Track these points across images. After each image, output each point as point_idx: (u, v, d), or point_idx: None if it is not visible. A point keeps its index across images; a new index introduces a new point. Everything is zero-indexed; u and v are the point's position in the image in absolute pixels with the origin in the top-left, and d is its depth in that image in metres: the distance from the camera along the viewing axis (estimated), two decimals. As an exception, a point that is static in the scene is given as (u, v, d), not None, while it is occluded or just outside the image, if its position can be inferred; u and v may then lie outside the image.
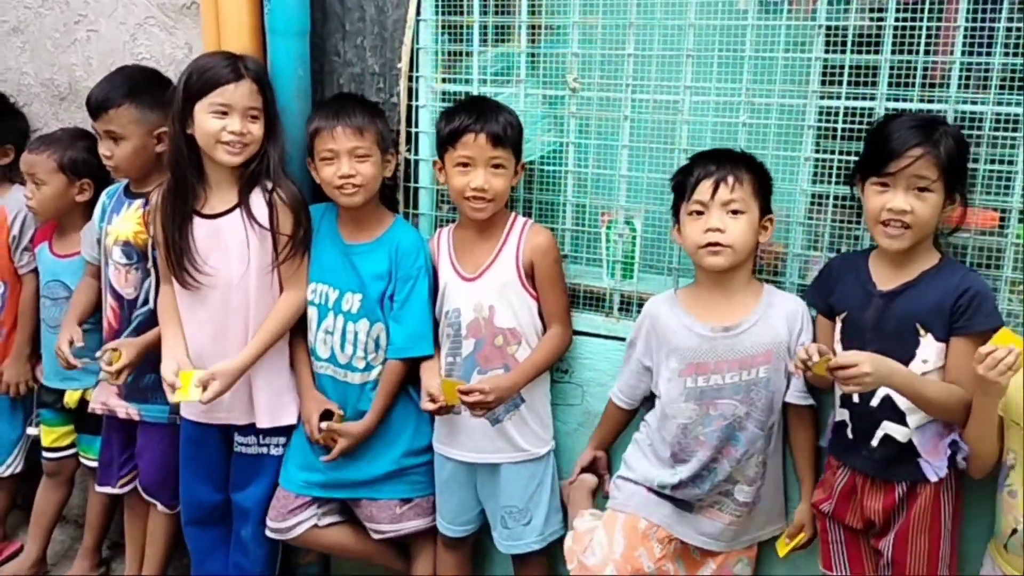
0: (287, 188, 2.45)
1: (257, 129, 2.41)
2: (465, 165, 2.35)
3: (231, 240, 2.45)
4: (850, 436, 2.09)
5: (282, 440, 2.61)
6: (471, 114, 2.34)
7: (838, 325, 2.11)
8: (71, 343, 2.66)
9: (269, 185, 2.44)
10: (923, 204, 1.95)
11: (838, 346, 2.10)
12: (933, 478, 2.01)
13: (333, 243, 2.55)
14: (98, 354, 2.64)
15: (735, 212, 2.12)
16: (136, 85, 2.64)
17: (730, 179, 2.11)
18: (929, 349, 1.99)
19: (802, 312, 2.20)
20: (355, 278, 2.50)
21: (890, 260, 2.06)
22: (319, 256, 2.55)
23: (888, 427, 2.03)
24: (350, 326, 2.50)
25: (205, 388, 2.38)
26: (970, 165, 2.05)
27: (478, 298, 2.42)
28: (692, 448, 2.22)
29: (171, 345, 2.52)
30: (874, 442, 2.05)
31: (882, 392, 2.02)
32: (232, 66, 2.39)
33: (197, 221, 2.46)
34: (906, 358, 1.99)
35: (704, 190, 2.13)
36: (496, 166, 2.34)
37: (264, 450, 2.61)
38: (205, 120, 2.37)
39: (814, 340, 2.18)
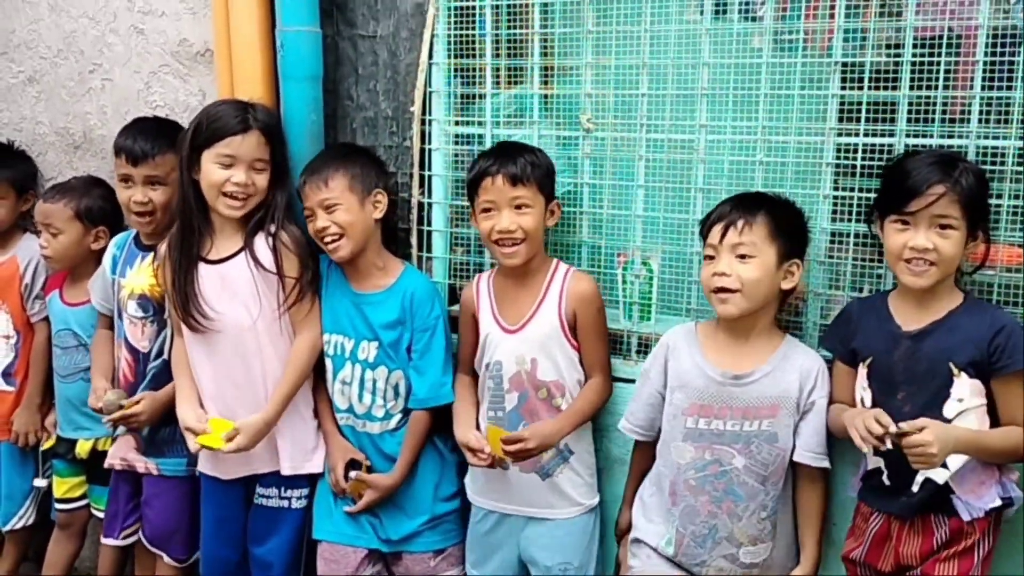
0: (290, 232, 2.45)
1: (262, 180, 2.42)
2: (488, 210, 2.30)
3: (238, 285, 2.44)
4: (887, 483, 2.02)
5: (304, 492, 2.56)
6: (489, 158, 2.31)
7: (862, 370, 2.06)
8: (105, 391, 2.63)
9: (272, 229, 2.43)
10: (946, 241, 1.91)
11: (865, 392, 2.05)
12: (966, 516, 1.95)
13: (343, 293, 2.52)
14: (109, 397, 2.60)
15: (743, 256, 2.07)
16: (173, 134, 2.64)
17: (739, 222, 2.06)
18: (963, 387, 1.94)
19: (817, 370, 2.14)
20: (368, 327, 2.47)
21: (913, 300, 2.02)
22: (331, 307, 2.52)
23: (929, 472, 1.96)
24: (368, 374, 2.46)
25: (230, 440, 2.38)
26: (993, 201, 2.01)
27: (520, 351, 2.35)
28: (683, 491, 2.17)
29: (187, 394, 2.51)
30: (915, 488, 1.98)
31: None
32: (241, 116, 2.39)
33: (204, 268, 2.46)
34: (940, 398, 1.95)
35: (714, 234, 2.09)
36: (520, 206, 2.28)
37: (285, 503, 2.55)
38: (211, 170, 2.38)
39: (831, 387, 2.14)
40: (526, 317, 2.36)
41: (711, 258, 2.11)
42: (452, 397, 2.46)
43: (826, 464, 2.14)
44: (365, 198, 2.43)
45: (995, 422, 1.97)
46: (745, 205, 2.10)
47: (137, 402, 2.57)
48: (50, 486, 3.04)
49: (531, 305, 2.36)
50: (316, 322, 2.51)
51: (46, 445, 3.01)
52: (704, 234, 2.14)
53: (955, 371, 1.94)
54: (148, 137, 2.67)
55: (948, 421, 1.94)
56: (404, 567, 2.53)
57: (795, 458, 2.14)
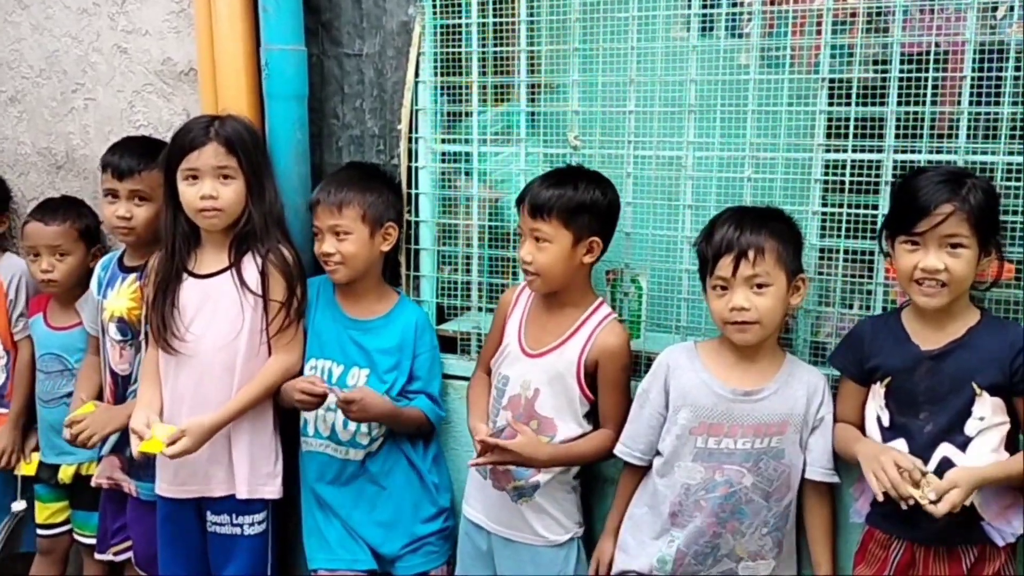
0: (279, 254, 2.41)
1: (229, 191, 2.37)
2: (521, 235, 2.28)
3: (221, 302, 2.41)
4: (904, 507, 1.95)
5: (258, 517, 2.50)
6: (535, 181, 2.25)
7: (880, 390, 2.03)
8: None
9: (263, 249, 2.40)
10: (957, 260, 1.89)
11: (883, 412, 2.03)
12: (1000, 542, 1.93)
13: (334, 318, 2.49)
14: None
15: (760, 286, 2.03)
16: (159, 152, 2.60)
17: (751, 253, 2.00)
18: (985, 406, 1.93)
19: (823, 386, 2.13)
20: (361, 353, 2.45)
21: (929, 319, 1.99)
22: (318, 331, 2.50)
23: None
24: None
25: (174, 443, 2.29)
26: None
27: (528, 376, 2.30)
28: (691, 512, 2.14)
29: (146, 400, 2.44)
30: None
31: (939, 455, 1.94)
32: (202, 130, 2.38)
33: (189, 281, 2.43)
34: (962, 417, 1.93)
35: (725, 266, 2.03)
36: (538, 239, 2.21)
37: (238, 530, 2.49)
38: (182, 187, 2.38)
39: (834, 406, 2.12)
40: (547, 347, 2.31)
41: (722, 288, 2.06)
42: (439, 420, 2.51)
43: (837, 479, 2.13)
44: (376, 230, 2.42)
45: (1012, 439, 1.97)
46: (749, 228, 2.03)
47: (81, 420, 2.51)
48: (32, 512, 3.00)
49: (556, 338, 2.30)
50: (296, 348, 2.47)
51: (23, 470, 2.96)
52: (708, 260, 2.07)
53: (977, 390, 1.92)
54: (135, 153, 2.66)
55: (969, 439, 1.93)
56: None
57: (807, 475, 2.13)
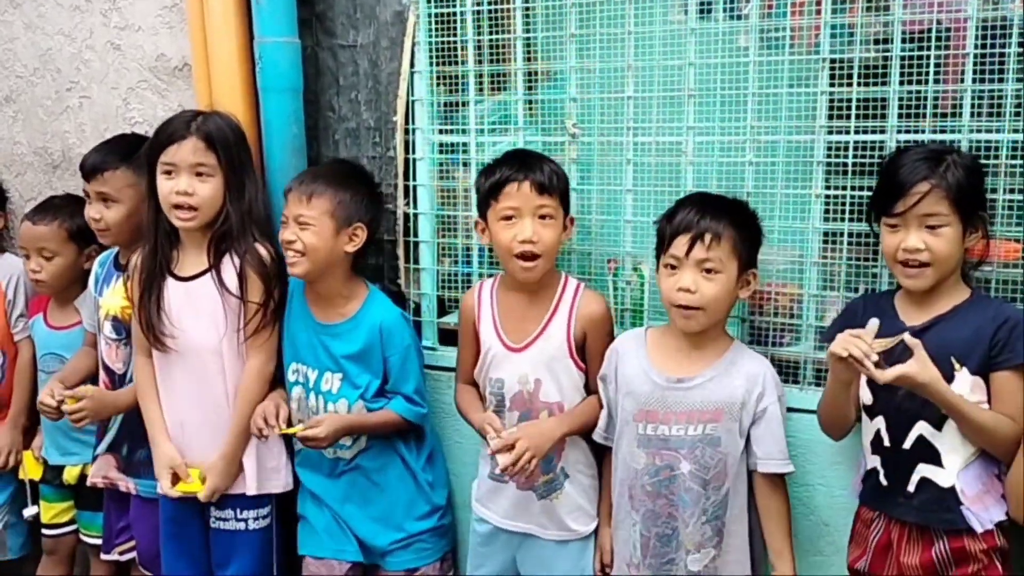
0: (256, 254, 2.38)
1: (206, 189, 2.34)
2: (510, 217, 2.20)
3: (203, 304, 2.39)
4: (884, 483, 1.98)
5: (263, 512, 2.50)
6: (513, 164, 2.21)
7: None
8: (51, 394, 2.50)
9: (241, 250, 2.38)
10: (938, 240, 1.87)
11: (866, 392, 2.00)
12: (978, 528, 1.89)
13: (305, 322, 2.45)
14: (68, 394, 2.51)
15: (710, 271, 2.03)
16: (133, 150, 2.60)
17: (707, 236, 2.01)
18: (964, 383, 1.89)
19: (764, 375, 2.10)
20: (330, 359, 2.41)
21: (917, 298, 1.97)
22: (293, 335, 2.46)
23: (924, 470, 1.92)
24: (330, 406, 2.39)
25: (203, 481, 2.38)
26: (988, 195, 1.97)
27: (524, 370, 2.27)
28: (641, 496, 2.14)
29: (159, 427, 2.47)
30: (911, 487, 1.94)
31: (915, 433, 1.93)
32: (183, 124, 2.35)
33: (172, 283, 2.42)
34: None
35: (679, 245, 2.03)
36: (544, 216, 2.19)
37: (242, 525, 2.48)
38: (159, 181, 2.35)
39: (781, 391, 2.13)
40: (532, 335, 2.28)
41: (672, 268, 2.06)
42: (420, 418, 2.42)
43: (791, 468, 2.12)
44: (343, 229, 2.33)
45: None
46: (710, 213, 2.03)
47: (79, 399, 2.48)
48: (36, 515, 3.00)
49: (538, 323, 2.28)
50: (268, 349, 2.44)
51: (29, 473, 2.94)
52: (666, 238, 2.07)
53: (956, 366, 1.89)
54: (101, 152, 2.62)
55: (945, 417, 1.90)
56: None
57: (760, 469, 2.11)
